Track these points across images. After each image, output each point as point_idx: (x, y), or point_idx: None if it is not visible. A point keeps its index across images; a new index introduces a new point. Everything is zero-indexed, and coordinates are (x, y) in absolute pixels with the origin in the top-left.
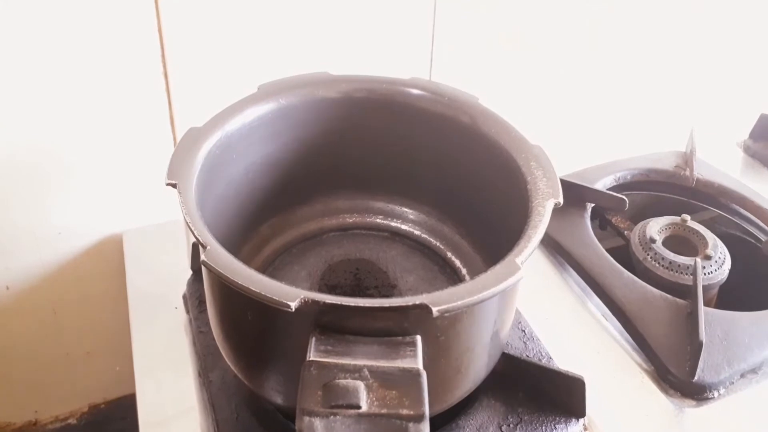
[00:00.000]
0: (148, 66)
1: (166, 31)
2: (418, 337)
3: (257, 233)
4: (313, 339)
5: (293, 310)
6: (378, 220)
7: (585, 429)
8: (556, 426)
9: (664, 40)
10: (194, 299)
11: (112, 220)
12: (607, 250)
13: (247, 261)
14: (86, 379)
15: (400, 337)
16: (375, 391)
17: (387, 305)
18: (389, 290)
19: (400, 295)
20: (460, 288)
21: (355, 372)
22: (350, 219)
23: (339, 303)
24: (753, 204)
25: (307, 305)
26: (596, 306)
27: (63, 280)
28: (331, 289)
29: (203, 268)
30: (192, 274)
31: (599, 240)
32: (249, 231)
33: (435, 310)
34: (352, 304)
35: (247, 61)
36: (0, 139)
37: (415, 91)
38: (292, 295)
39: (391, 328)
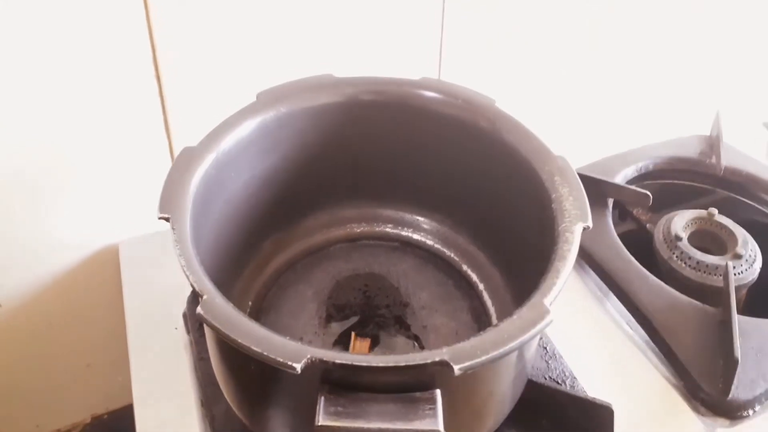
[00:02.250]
0: (139, 70)
1: (156, 31)
2: (438, 392)
3: (259, 251)
4: (322, 399)
5: (299, 372)
6: (388, 230)
7: None
8: None
9: (686, 17)
10: (194, 320)
11: (107, 231)
12: (625, 234)
13: (249, 282)
14: (88, 390)
15: (418, 393)
16: None
17: (403, 364)
18: (401, 309)
19: (413, 314)
20: (483, 339)
21: None
22: (358, 229)
23: (349, 363)
24: None
25: (314, 365)
26: (619, 312)
27: (58, 294)
28: (340, 310)
29: None
30: (192, 291)
31: (616, 225)
32: (251, 249)
33: (456, 368)
34: (364, 364)
35: (245, 60)
36: None
37: (427, 93)
38: (297, 355)
39: (408, 383)
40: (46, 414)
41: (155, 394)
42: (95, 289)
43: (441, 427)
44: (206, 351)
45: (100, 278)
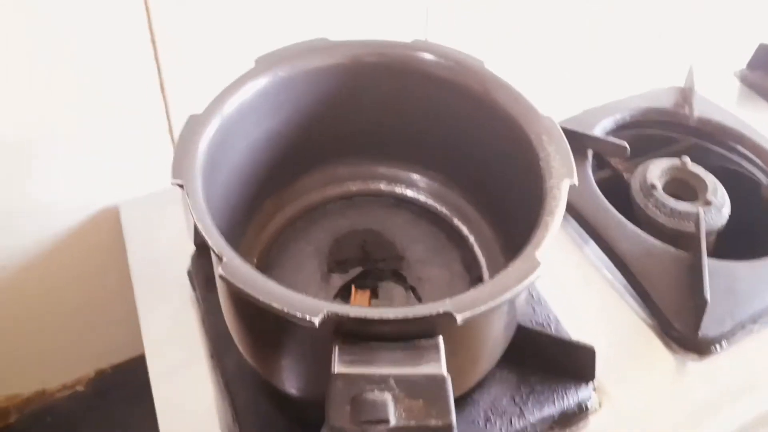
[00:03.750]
0: (135, 30)
1: None
2: (440, 339)
3: (261, 210)
4: (337, 348)
5: (317, 326)
6: (382, 187)
7: (594, 390)
8: (567, 392)
9: None
10: (200, 277)
11: (106, 192)
12: (603, 180)
13: (253, 240)
14: (91, 346)
15: (423, 340)
16: (402, 402)
17: (411, 316)
18: (397, 262)
19: (409, 266)
20: (481, 291)
21: (381, 382)
22: (354, 186)
23: (363, 317)
24: (752, 143)
25: (330, 319)
26: (598, 257)
27: (59, 257)
28: (340, 265)
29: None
30: (195, 249)
31: (595, 172)
32: (253, 209)
33: (459, 318)
34: (377, 317)
35: (236, 18)
36: None
37: (421, 55)
38: (315, 309)
39: (413, 332)
40: (51, 370)
41: (165, 349)
42: (96, 253)
43: (444, 370)
44: (213, 307)
45: (101, 240)
